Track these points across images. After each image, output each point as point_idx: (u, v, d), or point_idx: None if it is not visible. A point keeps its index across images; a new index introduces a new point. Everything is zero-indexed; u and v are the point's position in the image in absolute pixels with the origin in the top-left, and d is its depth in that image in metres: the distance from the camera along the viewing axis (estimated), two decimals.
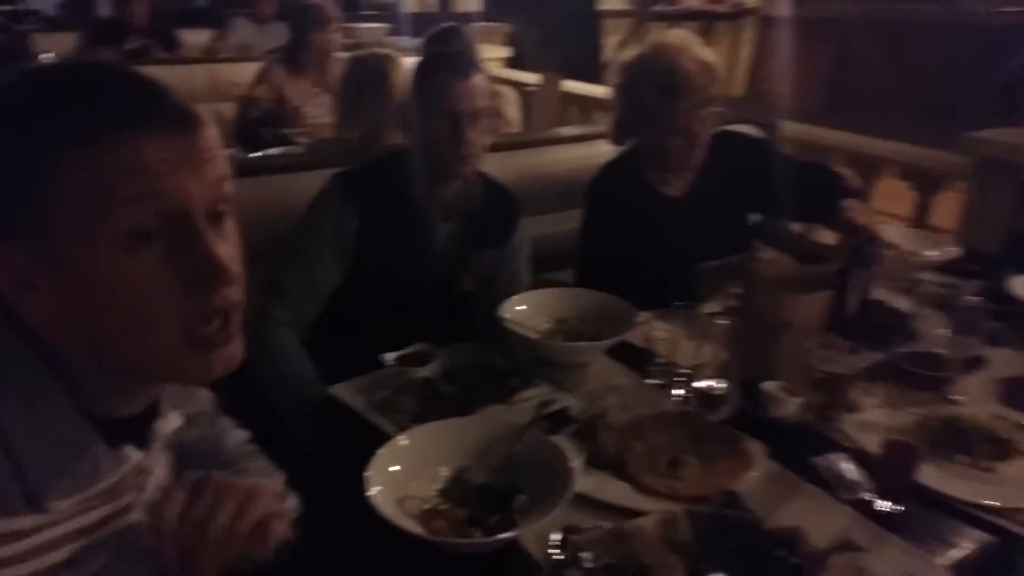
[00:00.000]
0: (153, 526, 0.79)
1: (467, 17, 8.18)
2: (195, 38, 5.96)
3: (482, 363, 1.58)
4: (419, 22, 7.77)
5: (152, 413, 0.88)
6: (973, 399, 1.47)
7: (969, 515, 1.18)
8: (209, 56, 5.53)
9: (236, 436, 1.15)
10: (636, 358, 1.59)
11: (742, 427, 1.35)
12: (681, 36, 2.00)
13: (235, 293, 0.77)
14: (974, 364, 1.58)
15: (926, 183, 2.95)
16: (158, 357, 0.76)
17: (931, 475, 1.23)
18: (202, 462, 0.99)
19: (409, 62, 3.94)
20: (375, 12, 8.61)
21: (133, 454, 0.85)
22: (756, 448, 1.29)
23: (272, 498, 0.86)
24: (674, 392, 1.46)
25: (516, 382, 1.50)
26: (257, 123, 3.32)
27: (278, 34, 5.67)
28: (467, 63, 1.78)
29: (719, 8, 9.84)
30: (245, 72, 4.00)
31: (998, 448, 1.29)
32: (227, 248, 0.77)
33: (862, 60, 9.66)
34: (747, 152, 2.11)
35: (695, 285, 1.77)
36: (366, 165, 1.84)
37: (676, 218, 1.99)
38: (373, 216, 1.74)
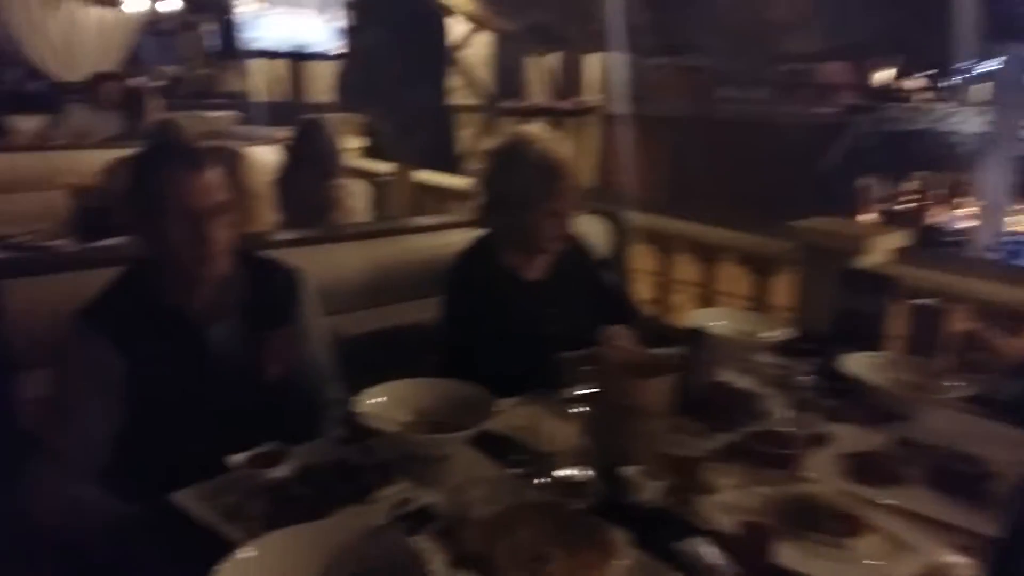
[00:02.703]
0: None
1: (320, 107, 8.19)
2: (27, 124, 5.68)
3: (339, 460, 1.49)
4: (272, 111, 7.70)
5: None
6: (821, 476, 1.51)
7: None
8: (41, 143, 5.26)
9: None
10: (498, 448, 1.56)
11: (604, 514, 1.34)
12: (541, 128, 2.10)
13: None
14: (818, 441, 1.63)
15: (761, 268, 3.16)
16: None
17: (790, 555, 1.25)
18: None
19: (260, 152, 3.88)
20: (225, 100, 8.47)
21: None
22: (619, 537, 1.27)
23: None
24: (536, 481, 1.43)
25: (374, 479, 1.43)
26: (97, 213, 3.11)
27: (116, 122, 5.47)
28: (196, 154, 1.64)
29: (563, 106, 10.35)
30: (81, 159, 3.80)
31: (848, 525, 1.31)
32: None
33: (696, 155, 10.46)
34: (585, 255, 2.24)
35: (557, 371, 1.77)
36: (106, 292, 1.63)
37: (536, 302, 2.01)
38: (131, 344, 1.57)
